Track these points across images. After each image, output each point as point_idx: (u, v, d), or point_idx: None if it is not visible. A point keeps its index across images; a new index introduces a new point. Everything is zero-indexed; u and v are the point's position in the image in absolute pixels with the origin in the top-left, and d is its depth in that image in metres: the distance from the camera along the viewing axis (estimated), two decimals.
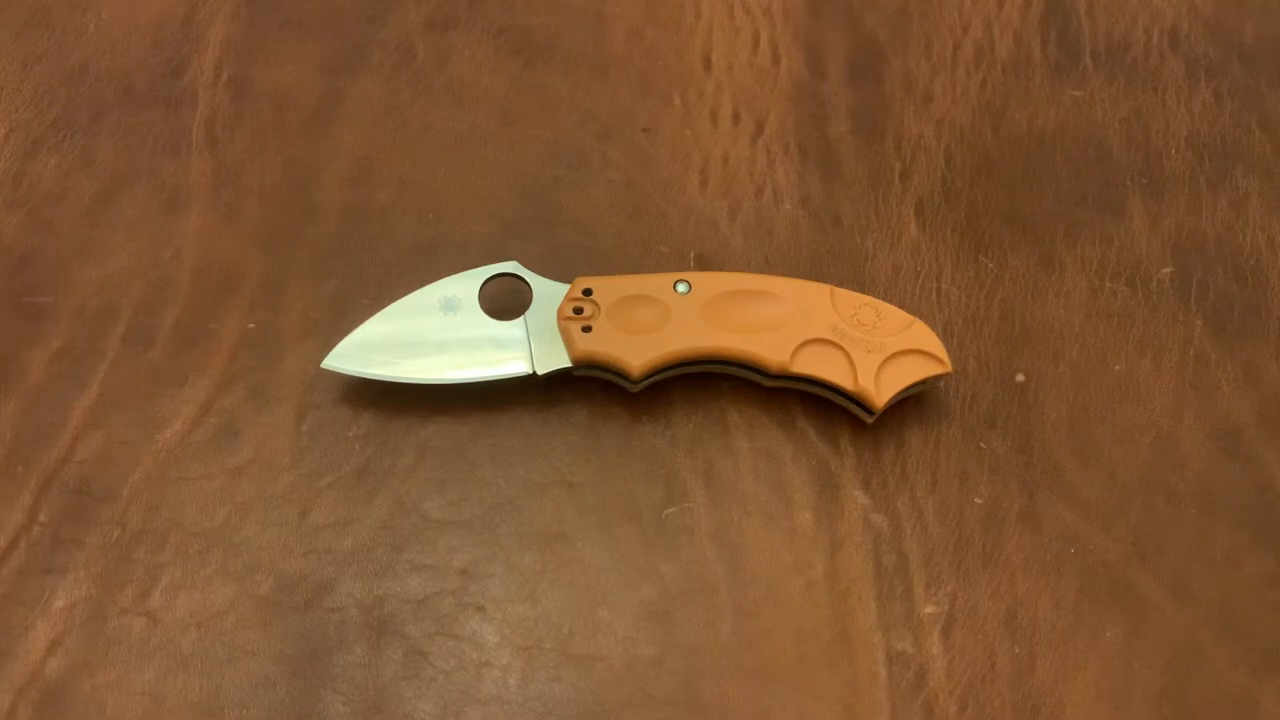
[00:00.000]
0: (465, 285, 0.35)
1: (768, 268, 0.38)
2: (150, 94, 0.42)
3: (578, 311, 0.34)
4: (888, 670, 0.31)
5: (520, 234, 0.39)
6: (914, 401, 0.35)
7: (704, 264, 0.38)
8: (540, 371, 0.34)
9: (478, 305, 0.35)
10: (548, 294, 0.35)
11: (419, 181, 0.40)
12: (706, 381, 0.35)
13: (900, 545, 0.33)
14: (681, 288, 0.34)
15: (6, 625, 0.32)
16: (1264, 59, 0.43)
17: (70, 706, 0.31)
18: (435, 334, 0.34)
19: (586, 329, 0.34)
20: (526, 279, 0.35)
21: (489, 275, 0.35)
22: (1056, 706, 0.31)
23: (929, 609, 0.32)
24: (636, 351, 0.34)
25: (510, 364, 0.34)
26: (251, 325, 0.37)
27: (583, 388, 0.35)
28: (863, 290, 0.37)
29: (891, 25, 0.44)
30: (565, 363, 0.34)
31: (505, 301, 0.35)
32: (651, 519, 0.34)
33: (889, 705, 0.31)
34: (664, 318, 0.34)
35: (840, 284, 0.35)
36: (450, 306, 0.35)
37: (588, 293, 0.34)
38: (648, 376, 0.34)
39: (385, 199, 0.40)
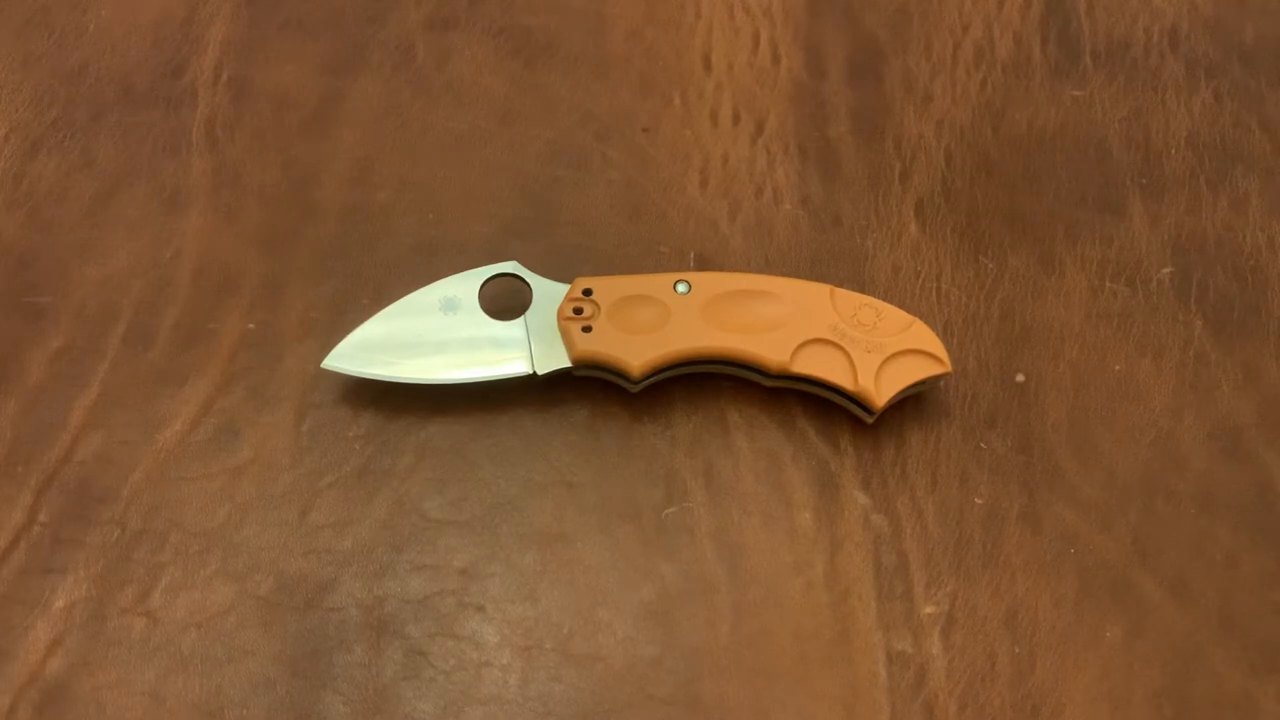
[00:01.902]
0: (465, 285, 0.35)
1: (768, 268, 0.38)
2: (150, 94, 0.42)
3: (578, 311, 0.34)
4: (888, 670, 0.31)
5: (520, 234, 0.39)
6: (914, 401, 0.35)
7: (704, 264, 0.38)
8: (540, 371, 0.34)
9: (478, 305, 0.35)
10: (548, 294, 0.35)
11: (419, 181, 0.40)
12: (706, 381, 0.35)
13: (900, 545, 0.33)
14: (681, 288, 0.34)
15: (6, 625, 0.32)
16: (1264, 59, 0.43)
17: (70, 706, 0.31)
18: (435, 334, 0.34)
19: (586, 329, 0.34)
20: (526, 279, 0.35)
21: (489, 275, 0.35)
22: (1056, 706, 0.31)
23: (929, 609, 0.32)
24: (636, 351, 0.34)
25: (510, 364, 0.34)
26: (251, 325, 0.37)
27: (583, 388, 0.35)
28: (863, 290, 0.37)
29: (891, 25, 0.44)
30: (565, 363, 0.34)
31: (505, 301, 0.35)
32: (651, 519, 0.34)
33: (889, 705, 0.31)
34: (664, 318, 0.34)
35: (840, 284, 0.35)
36: (450, 306, 0.35)
37: (588, 293, 0.34)
38: (648, 376, 0.34)
39: (385, 199, 0.40)
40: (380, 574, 0.33)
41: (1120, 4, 0.45)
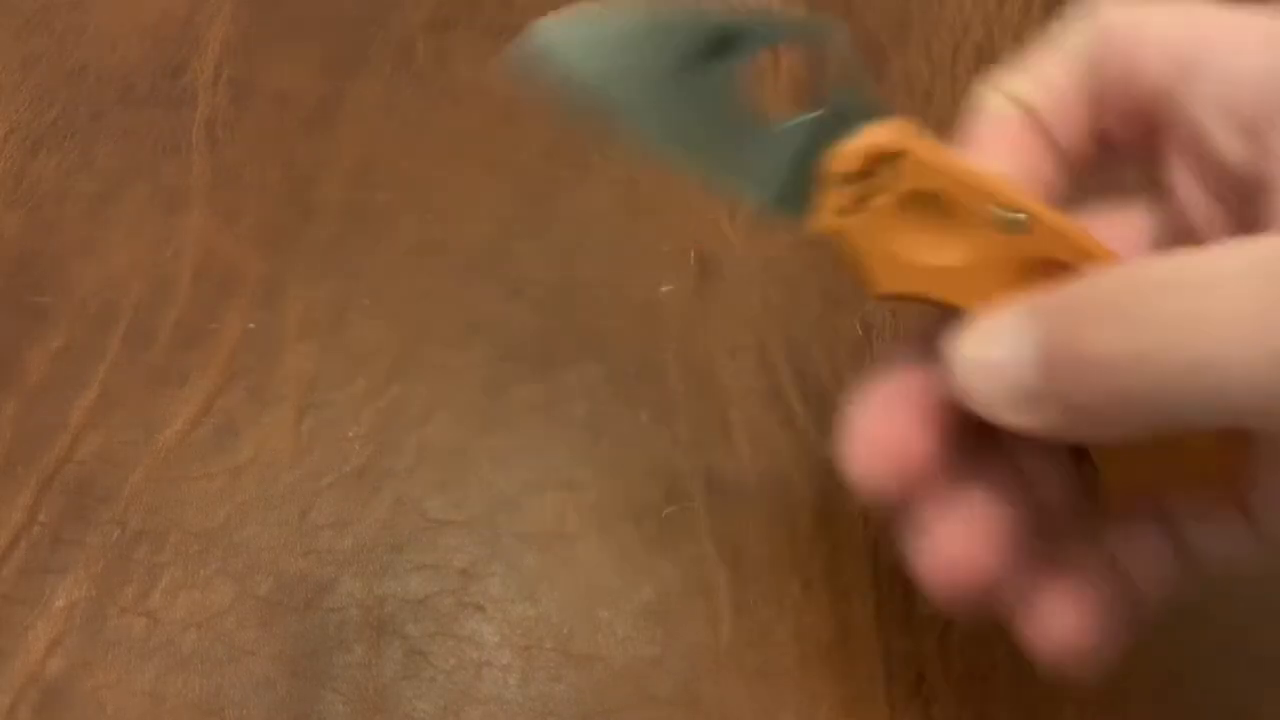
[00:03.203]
0: (759, 32, 0.23)
1: (768, 268, 0.38)
2: (150, 94, 0.42)
3: (857, 176, 0.23)
4: (887, 670, 0.31)
5: (520, 234, 0.39)
6: None
7: (704, 264, 0.38)
8: (770, 208, 0.24)
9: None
10: (856, 110, 0.23)
11: (419, 181, 0.40)
12: (707, 381, 0.35)
13: (900, 545, 0.33)
14: (1013, 220, 0.22)
15: (6, 625, 0.32)
16: None
17: (70, 706, 0.31)
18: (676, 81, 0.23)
19: (855, 207, 0.23)
20: (855, 72, 0.23)
21: (803, 30, 0.25)
22: (1056, 707, 0.31)
23: (929, 609, 0.32)
24: (899, 278, 0.24)
25: (743, 174, 0.24)
26: (251, 325, 0.37)
27: (583, 387, 0.35)
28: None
29: (891, 25, 0.44)
30: (801, 215, 0.24)
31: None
32: (651, 519, 0.34)
33: (889, 705, 0.31)
34: (964, 253, 0.23)
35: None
36: (723, 50, 0.23)
37: (886, 157, 0.23)
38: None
39: (385, 199, 0.40)
40: (380, 574, 0.33)
41: None
